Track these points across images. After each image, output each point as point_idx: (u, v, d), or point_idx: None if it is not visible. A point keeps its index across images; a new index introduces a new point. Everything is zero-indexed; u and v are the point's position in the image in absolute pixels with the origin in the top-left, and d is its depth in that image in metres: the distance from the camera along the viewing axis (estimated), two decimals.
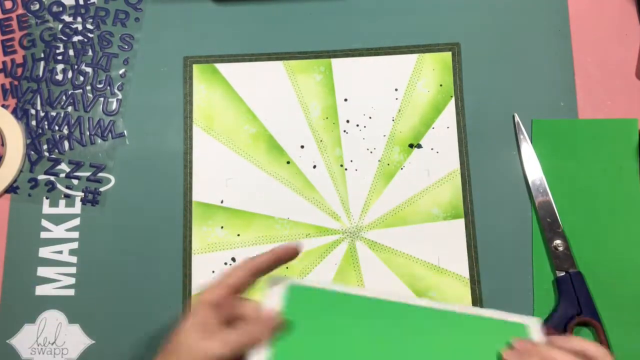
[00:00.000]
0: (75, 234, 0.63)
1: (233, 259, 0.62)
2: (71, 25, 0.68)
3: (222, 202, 0.63)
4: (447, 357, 0.43)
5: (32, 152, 0.65)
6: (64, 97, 0.66)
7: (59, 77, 0.67)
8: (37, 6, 0.68)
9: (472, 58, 0.65)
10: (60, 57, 0.67)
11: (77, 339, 0.61)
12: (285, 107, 0.65)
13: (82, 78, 0.67)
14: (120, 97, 0.66)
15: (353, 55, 0.66)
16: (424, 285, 0.61)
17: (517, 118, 0.63)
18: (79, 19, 0.68)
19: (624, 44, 0.65)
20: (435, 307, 0.45)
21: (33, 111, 0.66)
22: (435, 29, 0.66)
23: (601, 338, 0.56)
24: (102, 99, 0.66)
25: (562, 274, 0.58)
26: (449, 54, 0.66)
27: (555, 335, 0.45)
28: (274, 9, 0.68)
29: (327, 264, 0.61)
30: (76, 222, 0.63)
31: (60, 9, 0.68)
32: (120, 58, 0.67)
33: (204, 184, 0.63)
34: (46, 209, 0.64)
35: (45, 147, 0.65)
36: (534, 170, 0.62)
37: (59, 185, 0.64)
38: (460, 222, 0.62)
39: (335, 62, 0.66)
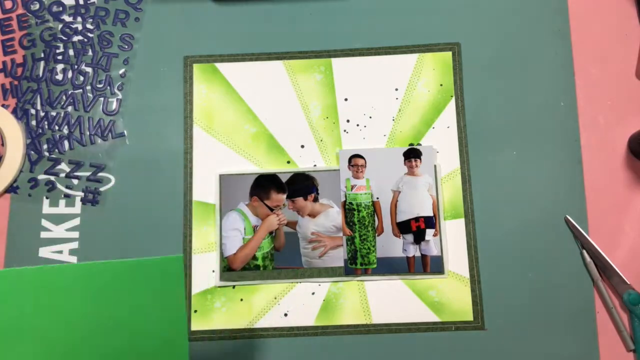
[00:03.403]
0: (75, 234, 0.63)
1: None
2: (71, 25, 0.68)
3: None
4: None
5: (32, 152, 0.65)
6: (64, 97, 0.66)
7: (59, 77, 0.67)
8: (37, 6, 0.68)
9: (472, 58, 0.66)
10: (60, 57, 0.67)
11: None
12: (285, 107, 0.65)
13: (82, 78, 0.67)
14: (120, 97, 0.66)
15: (353, 55, 0.66)
16: (424, 284, 0.61)
17: None
18: (79, 19, 0.68)
19: (624, 44, 0.65)
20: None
21: (33, 111, 0.66)
22: (435, 29, 0.66)
23: None
24: (102, 99, 0.66)
25: None
26: (449, 53, 0.66)
27: None
28: (274, 8, 0.68)
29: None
30: (76, 222, 0.63)
31: (60, 8, 0.68)
32: (120, 58, 0.67)
33: (204, 183, 0.63)
34: (46, 208, 0.64)
35: (45, 147, 0.65)
36: None
37: (59, 185, 0.64)
38: (460, 222, 0.62)
39: (336, 61, 0.66)
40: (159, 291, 0.58)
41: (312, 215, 0.62)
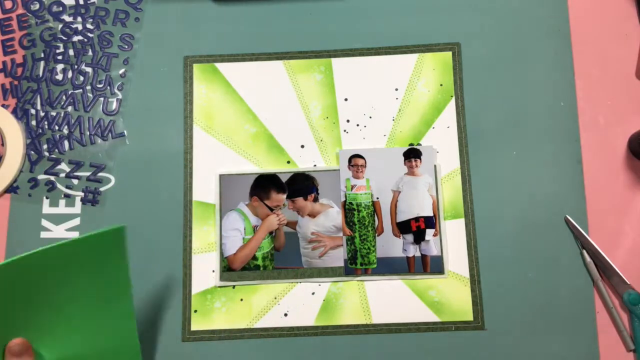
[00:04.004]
0: (75, 234, 0.63)
1: None
2: (71, 25, 0.68)
3: None
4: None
5: (32, 152, 0.65)
6: (64, 97, 0.66)
7: (59, 77, 0.67)
8: (37, 6, 0.68)
9: (472, 58, 0.66)
10: (60, 57, 0.67)
11: None
12: (285, 107, 0.65)
13: (82, 78, 0.67)
14: (120, 97, 0.66)
15: (353, 55, 0.66)
16: (424, 284, 0.61)
17: None
18: (79, 19, 0.68)
19: (624, 44, 0.65)
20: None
21: (33, 111, 0.66)
22: (435, 29, 0.66)
23: None
24: (102, 99, 0.66)
25: None
26: (449, 53, 0.66)
27: None
28: (274, 8, 0.68)
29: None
30: (76, 222, 0.63)
31: (60, 8, 0.68)
32: (120, 58, 0.67)
33: (204, 183, 0.63)
34: (46, 208, 0.64)
35: (45, 147, 0.65)
36: None
37: (59, 185, 0.64)
38: (460, 222, 0.62)
39: (336, 61, 0.66)
40: (100, 265, 0.52)
41: (312, 215, 0.62)
